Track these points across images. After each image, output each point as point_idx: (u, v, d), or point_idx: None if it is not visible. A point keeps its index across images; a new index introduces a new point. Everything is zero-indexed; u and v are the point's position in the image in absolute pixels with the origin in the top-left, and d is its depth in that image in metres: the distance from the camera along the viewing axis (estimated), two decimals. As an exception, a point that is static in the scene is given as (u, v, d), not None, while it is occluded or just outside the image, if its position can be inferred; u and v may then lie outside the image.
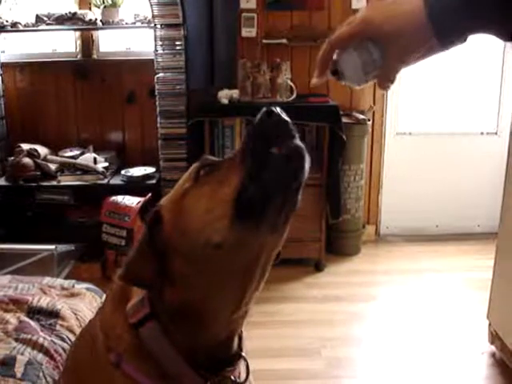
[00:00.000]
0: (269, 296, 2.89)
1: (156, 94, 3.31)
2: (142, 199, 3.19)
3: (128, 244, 3.12)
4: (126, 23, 3.40)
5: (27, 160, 3.32)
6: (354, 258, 3.59)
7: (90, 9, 3.49)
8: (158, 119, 3.34)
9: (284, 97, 3.25)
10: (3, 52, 3.58)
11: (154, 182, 3.37)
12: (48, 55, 3.63)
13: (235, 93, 3.24)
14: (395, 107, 3.77)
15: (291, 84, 3.27)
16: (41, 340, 1.35)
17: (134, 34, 3.58)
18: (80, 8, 3.49)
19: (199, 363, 0.90)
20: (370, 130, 3.66)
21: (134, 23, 3.40)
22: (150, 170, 3.44)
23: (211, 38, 3.43)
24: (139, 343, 0.89)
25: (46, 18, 3.33)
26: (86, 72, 3.62)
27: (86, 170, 3.35)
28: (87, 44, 3.62)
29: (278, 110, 0.83)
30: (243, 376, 0.97)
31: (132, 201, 3.20)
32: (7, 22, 3.36)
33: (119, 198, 3.22)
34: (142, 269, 0.86)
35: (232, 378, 0.94)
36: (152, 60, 3.30)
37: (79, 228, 3.39)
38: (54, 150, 3.52)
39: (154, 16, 3.23)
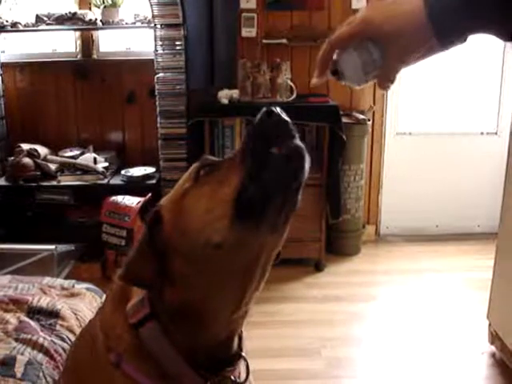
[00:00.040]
0: (269, 296, 2.89)
1: (156, 93, 3.31)
2: (142, 199, 3.19)
3: (128, 244, 3.12)
4: (126, 23, 3.40)
5: (27, 160, 3.32)
6: (354, 258, 3.59)
7: (90, 9, 3.49)
8: (158, 119, 3.34)
9: (284, 97, 3.25)
10: (3, 52, 3.58)
11: (153, 182, 3.37)
12: (48, 55, 3.63)
13: (235, 93, 3.24)
14: (395, 107, 3.77)
15: (291, 84, 3.27)
16: (41, 340, 1.35)
17: (134, 34, 3.58)
18: (80, 8, 3.49)
19: (199, 363, 0.90)
20: (370, 129, 3.66)
21: (134, 23, 3.40)
22: (150, 170, 3.44)
23: (211, 37, 3.43)
24: (139, 343, 0.89)
25: (46, 18, 3.33)
26: (86, 72, 3.62)
27: (86, 170, 3.35)
28: (87, 44, 3.62)
29: (278, 110, 0.83)
30: (243, 376, 0.97)
31: (132, 201, 3.20)
32: (7, 21, 3.36)
33: (119, 198, 3.22)
34: (141, 269, 0.86)
35: (232, 377, 0.94)
36: (152, 60, 3.30)
37: (79, 228, 3.39)
38: (54, 150, 3.52)
39: (153, 16, 3.23)
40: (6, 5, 3.42)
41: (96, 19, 3.37)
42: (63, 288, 1.67)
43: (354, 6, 3.47)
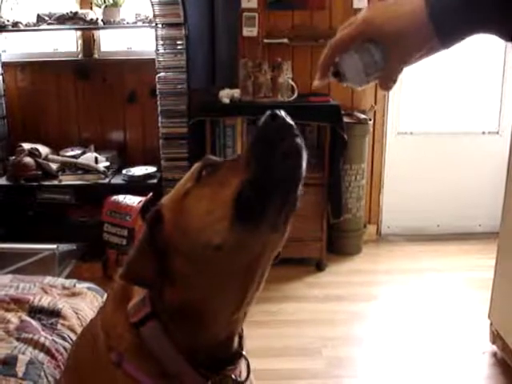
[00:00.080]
0: (270, 295, 2.90)
1: (157, 93, 3.31)
2: (143, 198, 3.19)
3: (129, 243, 3.13)
4: (127, 23, 3.40)
5: (28, 159, 3.32)
6: (355, 258, 3.59)
7: (91, 8, 3.49)
8: (159, 118, 3.34)
9: (285, 96, 3.25)
10: (4, 51, 3.58)
11: (155, 181, 3.37)
12: (49, 55, 3.63)
13: (236, 92, 3.24)
14: (396, 107, 3.77)
15: (292, 83, 3.27)
16: (42, 339, 1.35)
17: (135, 34, 3.58)
18: (81, 7, 3.49)
19: (200, 362, 0.90)
20: (372, 129, 3.66)
21: (135, 23, 3.40)
22: (151, 169, 3.44)
23: (212, 37, 3.43)
24: (140, 342, 0.90)
25: (47, 18, 3.34)
26: (87, 71, 3.62)
27: (87, 170, 3.35)
28: (88, 43, 3.63)
29: (283, 113, 0.82)
30: (244, 375, 0.97)
31: (133, 200, 3.20)
32: (8, 21, 3.37)
33: (120, 198, 3.23)
34: (142, 268, 0.86)
35: (233, 376, 0.94)
36: (153, 59, 3.30)
37: (80, 227, 3.39)
38: (55, 149, 3.52)
39: (155, 15, 3.23)
40: (7, 4, 3.42)
41: (97, 19, 3.37)
42: (64, 287, 1.67)
43: (355, 6, 3.47)
